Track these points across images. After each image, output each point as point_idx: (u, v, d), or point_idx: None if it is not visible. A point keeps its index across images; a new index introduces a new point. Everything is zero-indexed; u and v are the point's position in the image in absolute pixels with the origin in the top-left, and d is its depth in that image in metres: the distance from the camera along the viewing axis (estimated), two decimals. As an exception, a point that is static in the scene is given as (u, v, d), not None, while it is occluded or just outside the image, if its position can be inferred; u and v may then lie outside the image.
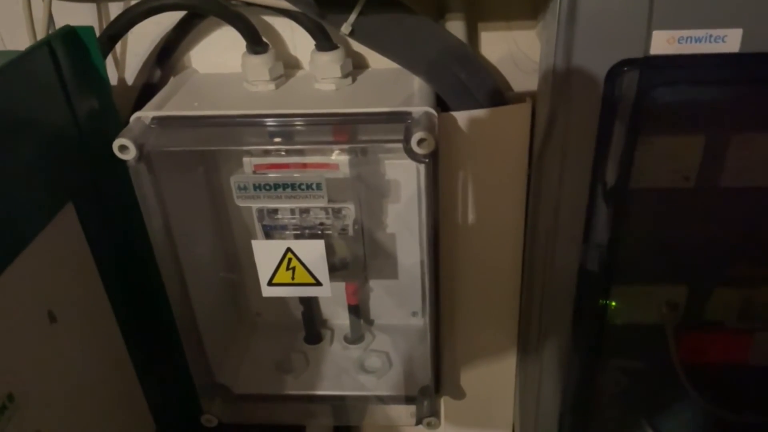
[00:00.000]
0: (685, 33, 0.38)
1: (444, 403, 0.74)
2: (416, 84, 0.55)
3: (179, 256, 0.57)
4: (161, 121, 0.51)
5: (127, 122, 0.51)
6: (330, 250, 0.61)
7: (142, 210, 0.52)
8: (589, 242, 0.47)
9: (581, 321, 0.52)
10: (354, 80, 0.57)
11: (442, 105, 0.55)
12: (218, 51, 0.60)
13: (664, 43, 0.38)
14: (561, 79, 0.42)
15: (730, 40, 0.37)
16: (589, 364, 0.54)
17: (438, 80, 0.53)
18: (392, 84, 0.56)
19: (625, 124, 0.42)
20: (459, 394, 0.74)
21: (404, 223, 0.66)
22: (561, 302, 0.51)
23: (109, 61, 0.60)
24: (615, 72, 0.40)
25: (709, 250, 0.50)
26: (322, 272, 0.54)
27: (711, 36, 0.38)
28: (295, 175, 0.52)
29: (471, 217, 0.60)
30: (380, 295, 0.72)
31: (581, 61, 0.40)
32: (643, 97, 0.40)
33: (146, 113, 0.51)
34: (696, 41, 0.38)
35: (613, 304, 0.53)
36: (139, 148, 0.48)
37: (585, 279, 0.49)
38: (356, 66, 0.59)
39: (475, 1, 0.55)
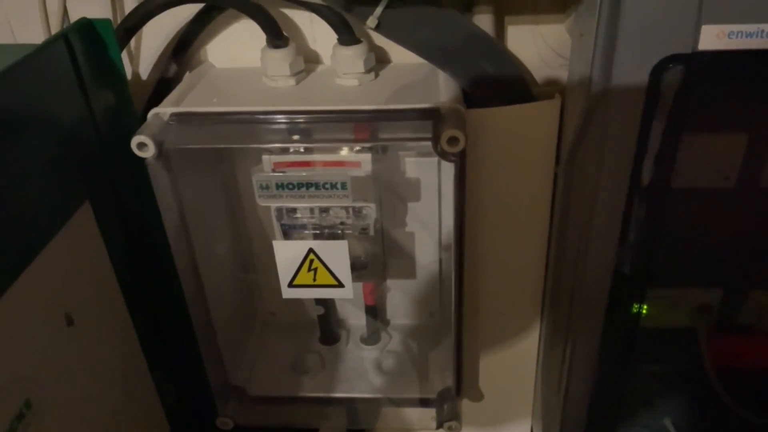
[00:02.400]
0: (736, 28, 0.36)
1: (462, 405, 0.73)
2: (441, 79, 0.53)
3: (195, 255, 0.55)
4: (180, 118, 0.49)
5: (144, 118, 0.50)
6: (350, 250, 0.60)
7: (160, 208, 0.51)
8: (625, 244, 0.45)
9: (613, 325, 0.50)
10: (377, 75, 0.55)
11: (467, 101, 0.53)
12: (236, 45, 0.58)
13: (713, 38, 0.36)
14: (600, 76, 0.41)
15: (782, 36, 0.36)
16: (619, 368, 0.53)
17: (465, 75, 0.51)
18: (417, 79, 0.54)
19: (668, 122, 0.40)
20: (478, 396, 0.73)
21: (423, 222, 0.64)
22: (592, 305, 0.50)
23: (123, 55, 0.58)
24: (660, 68, 0.38)
25: (746, 252, 0.49)
26: (344, 274, 0.52)
27: (763, 31, 0.36)
28: (319, 173, 0.51)
29: (495, 215, 0.59)
30: (397, 295, 0.71)
31: (624, 57, 0.39)
32: (689, 94, 0.39)
33: (165, 109, 0.50)
34: (747, 36, 0.36)
35: (646, 307, 0.51)
36: (158, 145, 0.47)
37: (619, 282, 0.47)
38: (378, 60, 0.57)
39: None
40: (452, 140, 0.46)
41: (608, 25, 0.39)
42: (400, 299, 0.71)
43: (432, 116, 0.48)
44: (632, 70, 0.39)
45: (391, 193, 0.61)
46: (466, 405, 0.73)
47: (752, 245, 0.48)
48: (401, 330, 0.73)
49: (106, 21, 0.48)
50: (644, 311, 0.52)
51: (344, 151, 0.54)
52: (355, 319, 0.73)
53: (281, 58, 0.53)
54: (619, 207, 0.44)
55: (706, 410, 0.56)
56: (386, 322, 0.73)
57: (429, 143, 0.46)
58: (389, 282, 0.70)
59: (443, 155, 0.46)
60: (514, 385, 0.72)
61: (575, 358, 0.54)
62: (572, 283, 0.50)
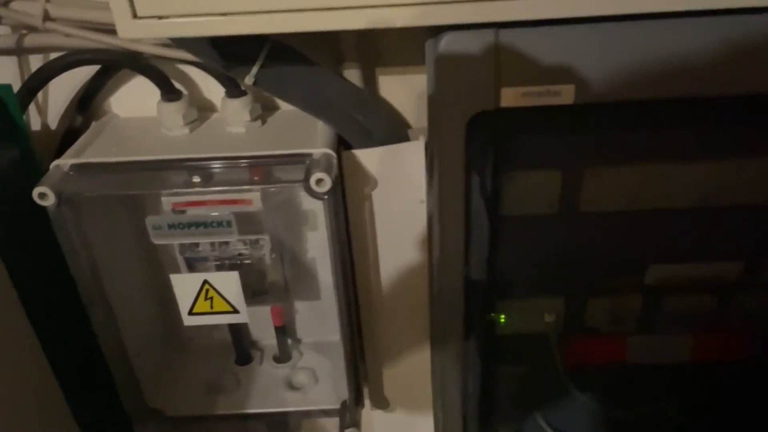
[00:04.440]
0: (528, 89, 0.45)
1: (373, 414, 0.80)
2: (319, 125, 0.60)
3: (106, 291, 0.60)
4: (79, 168, 0.55)
5: (48, 169, 0.55)
6: (251, 277, 0.66)
7: (64, 252, 0.56)
8: (469, 264, 0.53)
9: (472, 333, 0.58)
10: (264, 122, 0.62)
11: (346, 143, 0.60)
12: (137, 96, 0.64)
13: (511, 97, 0.45)
14: (432, 126, 0.48)
15: (564, 94, 0.44)
16: (483, 370, 0.61)
17: (337, 123, 0.59)
18: (298, 125, 0.61)
19: (487, 163, 0.48)
20: (384, 404, 0.80)
21: (323, 248, 0.71)
22: (453, 316, 0.57)
23: (32, 109, 0.64)
24: (473, 122, 0.46)
25: (578, 266, 0.57)
26: (238, 301, 0.58)
27: (550, 91, 0.44)
28: (208, 213, 0.57)
29: (380, 240, 0.66)
30: (306, 314, 0.77)
31: (445, 112, 0.47)
32: (498, 141, 0.47)
33: (65, 161, 0.55)
34: (538, 96, 0.45)
35: (502, 316, 0.59)
36: (58, 195, 0.52)
37: (470, 296, 0.55)
38: (268, 106, 0.64)
39: (370, 51, 0.60)
40: (320, 182, 0.53)
41: (433, 85, 0.47)
42: (309, 319, 0.78)
43: (305, 160, 0.55)
44: (453, 123, 0.47)
45: (290, 223, 0.68)
46: (376, 413, 0.80)
47: (581, 260, 0.57)
48: (311, 347, 0.79)
49: (7, 87, 0.53)
50: (502, 320, 0.60)
51: (237, 190, 0.60)
52: (269, 339, 0.79)
53: (175, 110, 0.59)
54: (459, 234, 0.52)
55: (565, 402, 0.64)
56: (298, 341, 0.80)
57: (301, 184, 0.53)
58: (297, 303, 0.76)
59: (313, 194, 0.53)
60: (416, 393, 0.79)
61: (448, 365, 0.61)
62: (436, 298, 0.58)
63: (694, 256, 0.56)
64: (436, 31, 0.45)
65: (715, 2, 0.41)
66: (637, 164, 0.51)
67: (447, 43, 0.43)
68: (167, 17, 0.41)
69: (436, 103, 0.47)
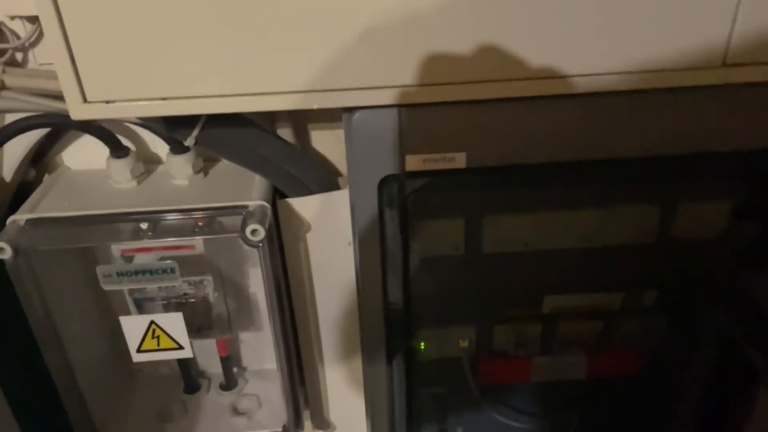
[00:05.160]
0: (428, 156, 0.53)
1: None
2: (257, 177, 0.67)
3: (59, 331, 0.66)
4: (35, 223, 0.60)
5: (4, 222, 0.60)
6: (196, 313, 0.73)
7: (20, 298, 0.61)
8: (388, 298, 0.61)
9: (395, 359, 0.66)
10: (206, 174, 0.69)
11: (282, 193, 0.68)
12: (87, 151, 0.69)
13: (414, 163, 0.53)
14: (352, 183, 0.56)
15: (458, 160, 0.53)
16: (407, 392, 0.69)
17: (273, 176, 0.66)
18: (237, 176, 0.68)
19: (398, 214, 0.56)
20: (326, 425, 0.87)
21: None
22: (378, 344, 0.65)
23: (-13, 163, 0.69)
24: (384, 183, 0.54)
25: (485, 298, 0.66)
26: (183, 339, 0.65)
27: (446, 158, 0.53)
28: (155, 259, 0.63)
29: (315, 276, 0.73)
30: (250, 344, 0.84)
31: (360, 173, 0.55)
32: (407, 198, 0.55)
33: (21, 216, 0.60)
34: (436, 161, 0.53)
35: (422, 344, 0.67)
36: (15, 248, 0.58)
37: (390, 326, 0.63)
38: (210, 158, 0.71)
39: (301, 112, 0.68)
40: (255, 232, 0.60)
41: (350, 152, 0.55)
42: (252, 348, 0.84)
43: (241, 212, 0.62)
44: (367, 183, 0.55)
45: (232, 261, 0.74)
46: (320, 434, 0.86)
47: (488, 293, 0.65)
48: (255, 374, 0.85)
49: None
50: (422, 347, 0.68)
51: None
52: (214, 368, 0.85)
53: (123, 166, 0.65)
54: (378, 273, 0.60)
55: (481, 419, 0.73)
56: (243, 369, 0.86)
57: (238, 235, 0.60)
58: (241, 334, 0.83)
59: (249, 243, 0.60)
60: (354, 414, 0.86)
61: (375, 390, 0.69)
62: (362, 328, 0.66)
63: (582, 288, 0.66)
64: (350, 107, 0.53)
65: (576, 87, 0.50)
66: (527, 213, 0.60)
67: (359, 119, 0.52)
68: (114, 101, 0.48)
69: (352, 166, 0.55)
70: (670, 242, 0.61)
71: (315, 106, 0.49)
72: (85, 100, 0.47)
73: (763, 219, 0.55)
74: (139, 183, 0.67)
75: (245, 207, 0.62)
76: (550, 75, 0.49)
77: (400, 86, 0.49)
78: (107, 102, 0.48)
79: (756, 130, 0.54)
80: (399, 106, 0.51)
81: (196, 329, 0.73)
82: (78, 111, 0.48)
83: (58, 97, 0.61)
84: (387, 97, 0.49)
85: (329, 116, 0.69)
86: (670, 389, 0.73)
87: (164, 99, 0.48)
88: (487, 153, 0.53)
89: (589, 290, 0.66)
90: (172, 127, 0.61)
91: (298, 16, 0.46)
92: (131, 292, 0.69)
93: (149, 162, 0.70)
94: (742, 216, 0.56)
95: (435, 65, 0.48)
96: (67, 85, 0.47)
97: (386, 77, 0.48)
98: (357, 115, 0.52)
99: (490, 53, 0.47)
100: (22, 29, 0.61)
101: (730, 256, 0.58)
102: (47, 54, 0.62)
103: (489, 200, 0.59)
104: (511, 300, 0.66)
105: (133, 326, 0.63)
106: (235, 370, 0.84)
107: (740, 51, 0.50)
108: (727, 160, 0.55)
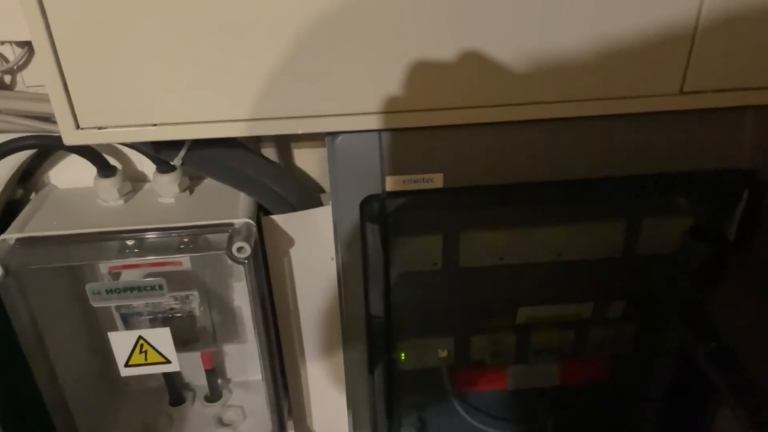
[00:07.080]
0: (407, 177, 0.56)
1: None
2: (242, 195, 0.70)
3: (47, 347, 0.67)
4: (24, 242, 0.62)
5: (-7, 241, 0.62)
6: (182, 327, 0.74)
7: (9, 315, 0.62)
8: (370, 311, 0.64)
9: (377, 369, 0.68)
10: (192, 192, 0.71)
11: (266, 209, 0.70)
12: (75, 169, 0.71)
13: (394, 184, 0.56)
14: (335, 202, 0.59)
15: (435, 180, 0.56)
16: (388, 401, 0.71)
17: (257, 194, 0.68)
18: (223, 194, 0.70)
19: (379, 231, 0.59)
20: (310, 434, 0.89)
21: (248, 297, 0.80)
22: (359, 355, 0.68)
23: (-26, 182, 0.70)
24: (366, 202, 0.57)
25: (462, 310, 0.69)
26: (170, 353, 0.66)
27: (424, 178, 0.56)
28: (142, 276, 0.65)
29: (298, 290, 0.75)
30: (234, 356, 0.86)
31: (343, 194, 0.57)
32: (388, 216, 0.58)
33: (11, 235, 0.62)
34: (415, 182, 0.56)
35: (402, 354, 0.70)
36: (5, 268, 0.59)
37: (372, 338, 0.66)
38: (195, 176, 0.73)
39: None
40: (240, 249, 0.62)
41: (333, 173, 0.57)
42: (237, 360, 0.86)
43: (227, 230, 0.64)
44: (349, 203, 0.58)
45: (217, 276, 0.76)
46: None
47: (465, 305, 0.68)
48: (240, 386, 0.87)
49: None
50: (402, 357, 0.71)
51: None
52: (200, 380, 0.86)
53: (110, 185, 0.67)
54: (359, 287, 0.62)
55: (462, 427, 0.76)
56: (227, 380, 0.88)
57: (224, 252, 0.62)
58: (226, 346, 0.84)
59: (235, 260, 0.62)
60: (337, 424, 0.88)
61: (357, 399, 0.71)
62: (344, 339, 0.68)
63: (554, 299, 0.69)
64: (334, 132, 0.55)
65: (544, 113, 0.53)
66: (501, 229, 0.63)
67: (341, 143, 0.54)
68: (106, 128, 0.50)
69: (335, 186, 0.58)
70: (634, 257, 0.65)
71: (300, 131, 0.52)
72: (77, 126, 0.49)
73: (715, 240, 0.59)
74: (126, 201, 0.69)
75: (231, 225, 0.64)
76: (520, 102, 0.52)
77: (380, 112, 0.52)
78: (99, 128, 0.50)
79: (713, 152, 0.58)
80: (380, 130, 0.53)
81: (182, 343, 0.74)
82: (71, 137, 0.49)
83: (47, 118, 0.63)
84: (369, 123, 0.52)
85: (312, 136, 0.72)
86: (637, 398, 0.77)
87: (155, 125, 0.50)
88: (463, 174, 0.56)
89: (561, 301, 0.69)
90: (159, 149, 0.63)
91: (283, 45, 0.49)
92: (118, 307, 0.70)
93: (136, 180, 0.72)
94: (696, 236, 0.59)
95: (414, 93, 0.51)
96: (60, 111, 0.49)
97: (368, 104, 0.51)
98: (340, 139, 0.54)
99: (465, 82, 0.51)
100: (11, 53, 0.63)
101: (688, 274, 0.62)
102: (36, 76, 0.64)
103: (465, 218, 0.62)
104: (487, 312, 0.69)
105: (121, 341, 0.65)
106: (219, 381, 0.85)
107: (697, 79, 0.54)
108: (686, 179, 0.59)
